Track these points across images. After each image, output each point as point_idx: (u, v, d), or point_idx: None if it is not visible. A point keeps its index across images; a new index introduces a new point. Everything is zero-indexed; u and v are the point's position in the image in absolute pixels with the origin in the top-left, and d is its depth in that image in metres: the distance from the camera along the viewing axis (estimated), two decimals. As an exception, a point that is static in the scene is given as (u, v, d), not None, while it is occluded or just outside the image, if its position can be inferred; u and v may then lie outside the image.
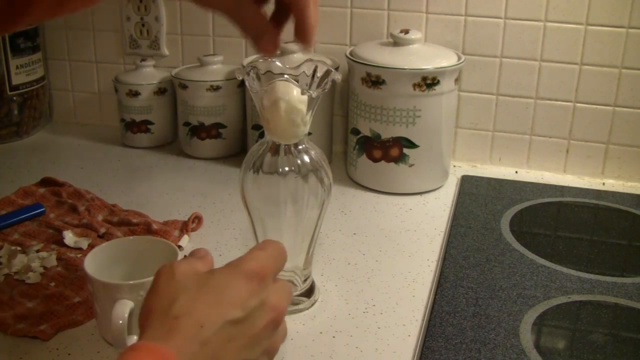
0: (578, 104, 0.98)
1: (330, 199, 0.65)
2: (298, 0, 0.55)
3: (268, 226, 0.65)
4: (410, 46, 0.91)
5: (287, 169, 0.63)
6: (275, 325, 0.48)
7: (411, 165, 0.91)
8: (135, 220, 0.81)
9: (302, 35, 0.56)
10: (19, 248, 0.75)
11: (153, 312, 0.45)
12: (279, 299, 0.48)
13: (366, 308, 0.67)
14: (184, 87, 1.03)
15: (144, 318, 0.46)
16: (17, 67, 1.07)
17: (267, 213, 0.65)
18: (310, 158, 0.64)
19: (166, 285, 0.47)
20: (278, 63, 0.64)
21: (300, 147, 0.64)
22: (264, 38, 0.56)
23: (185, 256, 0.74)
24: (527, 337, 0.62)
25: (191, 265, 0.49)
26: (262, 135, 0.98)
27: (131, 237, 0.68)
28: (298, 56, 0.97)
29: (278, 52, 0.60)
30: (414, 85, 0.87)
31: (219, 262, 0.75)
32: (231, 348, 0.45)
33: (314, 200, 0.64)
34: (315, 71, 0.63)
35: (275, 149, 0.63)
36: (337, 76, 0.62)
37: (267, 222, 0.65)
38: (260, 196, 0.64)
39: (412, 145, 0.90)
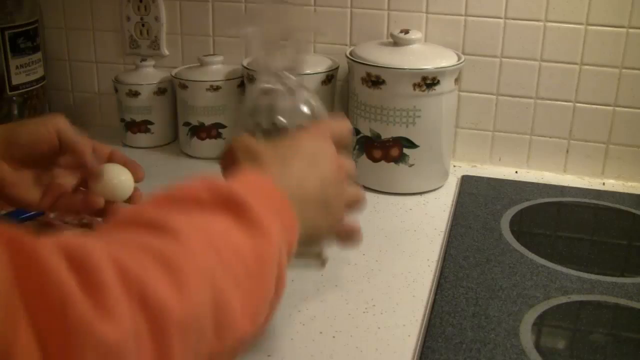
0: (578, 104, 0.98)
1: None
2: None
3: None
4: (410, 46, 0.91)
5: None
6: (339, 172, 0.55)
7: (411, 165, 0.91)
8: (135, 220, 0.81)
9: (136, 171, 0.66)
10: (19, 248, 0.75)
11: (239, 162, 0.52)
12: (338, 157, 0.56)
13: (366, 308, 0.67)
14: (184, 87, 1.03)
15: (231, 170, 0.52)
16: (17, 67, 1.06)
17: None
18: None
19: (244, 146, 0.53)
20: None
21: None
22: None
23: None
24: (527, 337, 0.62)
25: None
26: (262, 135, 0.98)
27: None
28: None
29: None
30: (414, 85, 0.87)
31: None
32: (310, 178, 0.52)
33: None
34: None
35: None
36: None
37: None
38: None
39: (412, 145, 0.90)
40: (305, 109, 0.64)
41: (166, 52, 1.13)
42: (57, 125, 0.61)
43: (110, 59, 1.17)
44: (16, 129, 0.60)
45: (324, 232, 0.55)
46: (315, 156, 0.53)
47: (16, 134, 0.60)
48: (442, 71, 0.87)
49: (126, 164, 0.67)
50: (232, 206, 0.41)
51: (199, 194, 0.41)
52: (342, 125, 0.59)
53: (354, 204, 0.59)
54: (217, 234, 0.39)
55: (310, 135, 0.56)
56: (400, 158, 0.91)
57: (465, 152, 1.04)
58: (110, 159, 0.68)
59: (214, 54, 1.06)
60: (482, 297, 0.69)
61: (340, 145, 0.57)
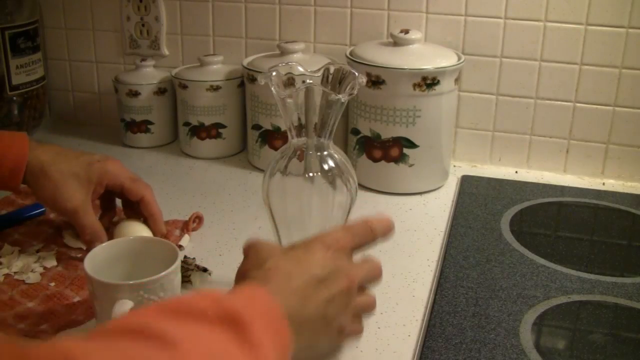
0: (578, 104, 0.98)
1: (356, 201, 0.66)
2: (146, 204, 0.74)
3: (293, 230, 0.66)
4: (410, 46, 0.91)
5: (312, 174, 0.64)
6: (348, 293, 0.53)
7: (411, 165, 0.91)
8: (135, 220, 0.81)
9: (154, 228, 0.74)
10: (19, 248, 0.75)
11: (248, 270, 0.53)
12: (355, 272, 0.54)
13: (366, 308, 0.67)
14: (184, 87, 1.03)
15: (240, 278, 0.54)
16: (17, 67, 1.06)
17: (292, 217, 0.66)
18: (335, 162, 0.65)
19: (255, 254, 0.54)
20: (300, 68, 0.66)
21: (325, 152, 0.65)
22: (96, 243, 0.68)
23: (185, 256, 0.74)
24: (527, 337, 0.62)
25: (272, 244, 0.58)
26: (262, 135, 0.98)
27: (131, 237, 0.68)
28: (298, 56, 0.97)
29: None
30: (414, 85, 0.87)
31: (219, 262, 0.75)
32: (314, 299, 0.51)
33: (340, 203, 0.65)
34: (329, 74, 0.64)
35: (300, 154, 0.64)
36: (362, 79, 0.62)
37: (292, 226, 0.66)
38: (286, 200, 0.65)
39: (412, 145, 0.90)
40: (330, 163, 0.65)
41: (166, 52, 1.13)
42: (144, 192, 0.75)
43: (110, 59, 1.17)
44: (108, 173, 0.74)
45: (324, 346, 0.56)
46: (324, 276, 0.52)
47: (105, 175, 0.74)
48: (442, 71, 0.87)
49: (152, 215, 0.74)
50: (233, 324, 0.43)
51: (204, 307, 0.43)
52: (364, 229, 0.57)
53: (364, 313, 0.58)
54: (216, 349, 0.41)
55: (325, 248, 0.54)
56: (400, 158, 0.91)
57: (465, 152, 1.04)
58: (142, 202, 0.74)
59: (214, 54, 1.06)
60: (482, 297, 0.69)
61: (361, 246, 0.57)
